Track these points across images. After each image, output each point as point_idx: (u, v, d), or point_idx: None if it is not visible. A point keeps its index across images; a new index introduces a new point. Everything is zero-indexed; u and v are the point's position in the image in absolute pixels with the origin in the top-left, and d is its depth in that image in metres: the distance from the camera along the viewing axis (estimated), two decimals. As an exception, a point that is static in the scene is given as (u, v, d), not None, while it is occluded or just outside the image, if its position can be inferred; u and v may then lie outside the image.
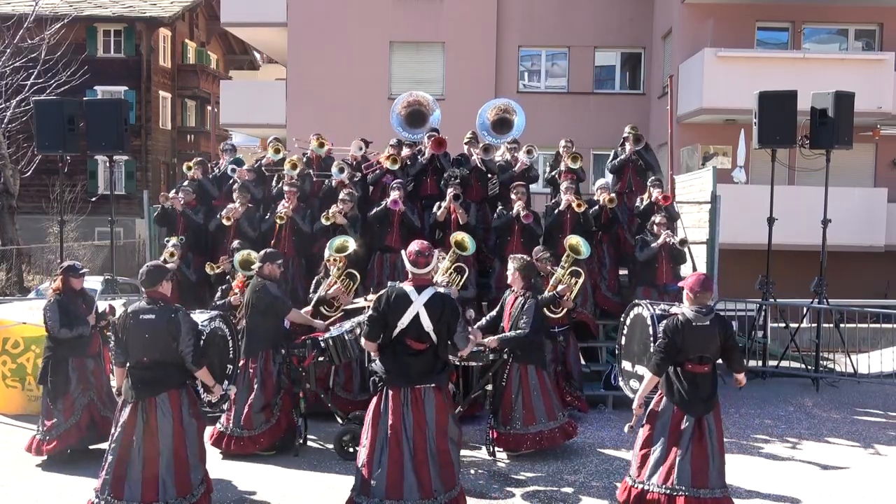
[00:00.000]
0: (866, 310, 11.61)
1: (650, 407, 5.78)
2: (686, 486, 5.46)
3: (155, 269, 5.82)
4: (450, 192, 9.25)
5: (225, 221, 9.59)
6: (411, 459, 5.48)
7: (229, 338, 6.37)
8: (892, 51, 17.64)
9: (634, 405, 5.79)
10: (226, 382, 6.30)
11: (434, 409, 5.55)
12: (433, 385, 5.56)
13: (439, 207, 9.37)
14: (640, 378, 6.09)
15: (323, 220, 9.12)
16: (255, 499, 6.45)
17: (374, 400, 5.66)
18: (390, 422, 5.50)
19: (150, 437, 5.55)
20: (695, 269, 10.38)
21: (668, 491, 5.49)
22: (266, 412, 7.43)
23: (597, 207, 9.75)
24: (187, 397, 5.74)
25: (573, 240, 8.63)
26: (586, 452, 7.65)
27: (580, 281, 8.34)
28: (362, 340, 5.80)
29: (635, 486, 5.68)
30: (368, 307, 7.72)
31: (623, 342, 6.69)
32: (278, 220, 9.30)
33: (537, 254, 8.45)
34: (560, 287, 8.10)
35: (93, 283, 14.92)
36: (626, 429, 5.82)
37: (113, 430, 5.69)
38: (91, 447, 7.36)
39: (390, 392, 5.55)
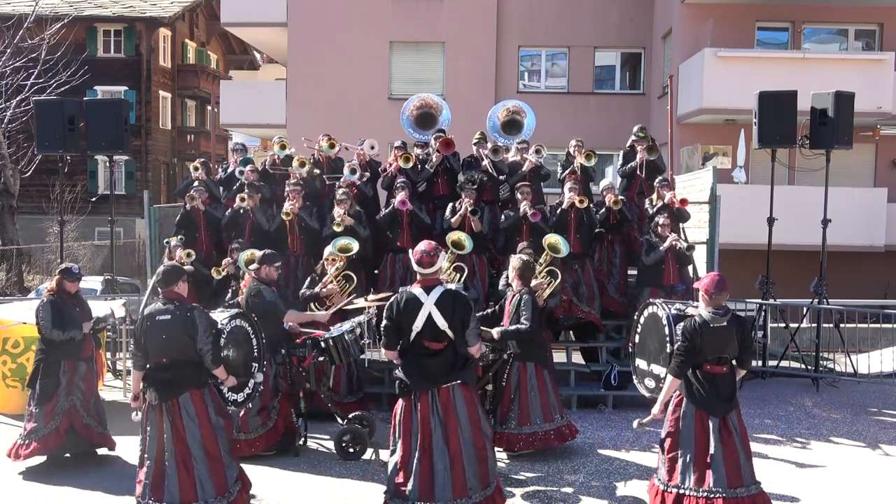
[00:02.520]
0: (866, 310, 11.61)
1: (669, 410, 5.77)
2: (723, 487, 5.47)
3: (171, 270, 5.83)
4: (467, 201, 9.19)
5: (239, 202, 9.60)
6: (444, 460, 5.47)
7: (252, 335, 6.36)
8: (892, 51, 17.61)
9: (656, 409, 5.76)
10: (251, 380, 6.30)
11: (464, 406, 5.56)
12: (459, 382, 5.58)
13: (453, 211, 9.34)
14: (656, 377, 6.10)
15: (335, 228, 9.10)
16: (255, 499, 6.46)
17: (404, 404, 5.64)
18: (420, 426, 5.51)
19: (178, 439, 5.56)
20: (695, 269, 10.37)
21: (707, 494, 5.48)
22: (263, 415, 7.41)
23: (604, 209, 9.74)
24: (210, 396, 5.75)
25: (552, 238, 8.63)
26: (586, 452, 7.65)
27: (556, 282, 8.32)
28: (382, 350, 5.78)
29: (668, 490, 5.65)
30: (369, 308, 7.76)
31: (637, 340, 6.69)
32: (284, 217, 9.31)
33: (520, 250, 8.41)
34: (533, 283, 8.05)
35: (93, 283, 15.01)
36: (635, 424, 5.80)
37: (143, 436, 5.68)
38: (99, 452, 7.36)
39: (419, 395, 5.55)
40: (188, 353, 5.61)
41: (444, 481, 5.45)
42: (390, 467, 5.66)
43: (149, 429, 5.63)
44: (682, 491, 5.59)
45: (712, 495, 5.48)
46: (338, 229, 9.06)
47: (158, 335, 5.60)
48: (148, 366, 5.71)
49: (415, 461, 5.49)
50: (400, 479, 5.54)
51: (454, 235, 8.58)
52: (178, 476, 5.53)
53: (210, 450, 5.63)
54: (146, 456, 5.62)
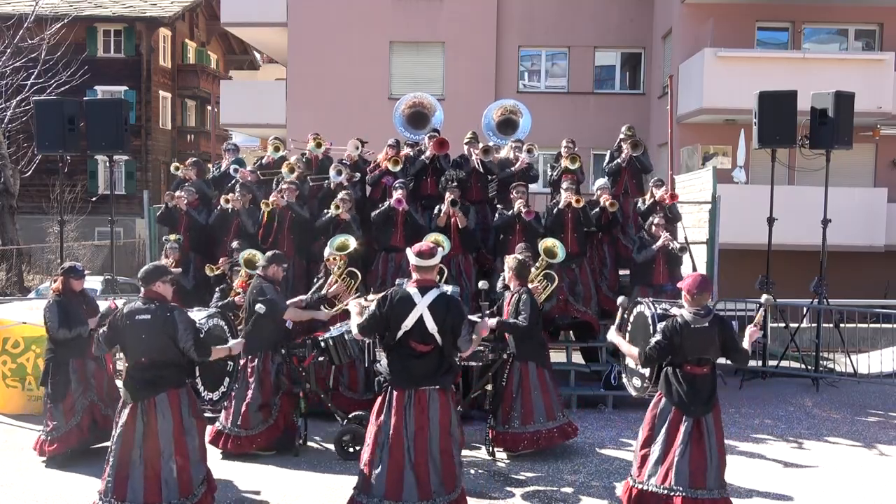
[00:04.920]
0: (866, 310, 11.61)
1: (649, 408, 5.78)
2: (683, 486, 5.46)
3: (153, 269, 5.80)
4: (448, 196, 9.25)
5: (224, 203, 9.64)
6: (411, 460, 5.47)
7: (228, 335, 6.36)
8: (892, 51, 17.62)
9: (612, 332, 6.09)
10: (227, 380, 6.31)
11: (437, 411, 5.53)
12: (437, 387, 5.55)
13: (440, 211, 9.37)
14: (642, 376, 6.11)
15: (333, 209, 9.15)
16: (255, 499, 6.46)
17: (378, 400, 5.66)
18: (392, 422, 5.50)
19: (150, 438, 5.53)
20: (695, 269, 10.37)
21: (666, 491, 5.50)
22: (263, 412, 7.44)
23: (598, 209, 9.74)
24: (187, 397, 5.73)
25: (549, 242, 8.64)
26: (586, 452, 7.66)
27: (552, 286, 8.32)
28: (354, 329, 5.74)
29: (635, 486, 5.70)
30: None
31: (626, 339, 6.69)
32: (264, 206, 9.31)
33: (518, 251, 8.42)
34: (529, 287, 8.04)
35: (93, 283, 14.98)
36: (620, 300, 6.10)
37: (113, 433, 5.67)
38: (93, 447, 7.38)
39: (395, 393, 5.55)
40: (168, 354, 5.58)
41: (411, 482, 5.45)
42: (361, 461, 5.67)
43: (119, 426, 5.61)
44: (645, 487, 5.62)
45: (672, 493, 5.48)
46: (336, 211, 9.10)
47: (138, 334, 5.55)
48: (126, 365, 5.68)
49: (382, 457, 5.48)
50: (366, 473, 5.54)
51: (432, 237, 8.62)
52: (144, 475, 5.50)
53: (179, 450, 5.60)
54: (111, 454, 5.60)
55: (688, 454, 5.51)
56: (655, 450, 5.63)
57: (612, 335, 6.14)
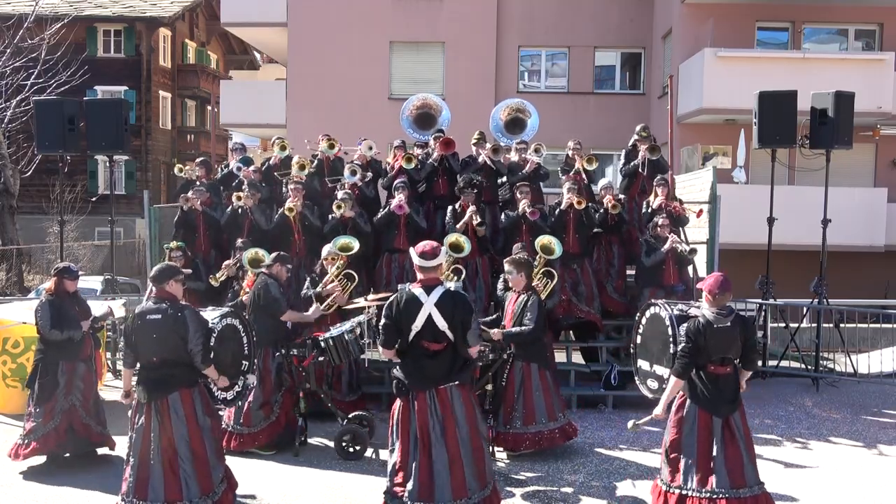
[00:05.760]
0: (866, 310, 11.60)
1: (672, 410, 5.76)
2: (725, 487, 5.46)
3: (165, 268, 5.83)
4: (471, 210, 9.14)
5: (235, 201, 9.67)
6: (443, 460, 5.47)
7: (243, 333, 6.36)
8: (892, 51, 17.63)
9: (659, 410, 5.74)
10: (241, 379, 6.31)
11: (462, 407, 5.55)
12: (457, 383, 5.57)
13: (454, 214, 9.32)
14: (659, 378, 6.10)
15: (335, 209, 9.17)
16: (255, 499, 6.45)
17: (402, 404, 5.62)
18: (418, 425, 5.50)
19: (166, 439, 5.55)
20: (695, 269, 10.37)
21: (709, 494, 5.47)
22: (265, 409, 7.48)
23: (602, 211, 9.74)
24: (200, 396, 5.74)
25: (545, 239, 8.62)
26: (586, 452, 7.66)
27: (552, 283, 8.32)
28: (380, 349, 5.76)
29: (671, 491, 5.64)
30: (369, 308, 7.76)
31: (639, 341, 6.69)
32: (288, 213, 9.32)
33: (514, 251, 8.38)
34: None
35: (93, 283, 15.00)
36: (629, 425, 5.84)
37: (130, 434, 5.68)
38: (98, 452, 7.36)
39: (416, 395, 5.54)
40: (179, 353, 5.60)
41: (443, 482, 5.45)
42: (389, 467, 5.66)
43: (136, 427, 5.62)
44: (685, 492, 5.58)
45: (715, 496, 5.47)
46: (339, 211, 9.11)
47: (149, 334, 5.58)
48: (138, 364, 5.71)
49: (414, 462, 5.49)
50: (399, 480, 5.54)
51: (452, 238, 8.60)
52: (164, 475, 5.53)
53: (196, 450, 5.62)
54: (131, 454, 5.62)
55: (724, 455, 5.52)
56: (689, 453, 5.61)
57: (663, 403, 5.87)
